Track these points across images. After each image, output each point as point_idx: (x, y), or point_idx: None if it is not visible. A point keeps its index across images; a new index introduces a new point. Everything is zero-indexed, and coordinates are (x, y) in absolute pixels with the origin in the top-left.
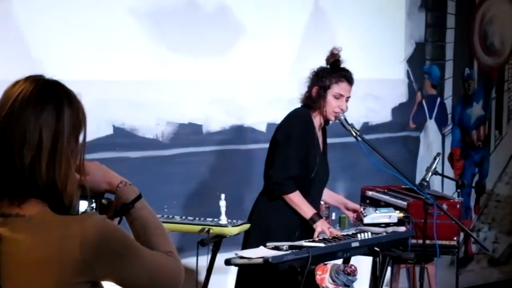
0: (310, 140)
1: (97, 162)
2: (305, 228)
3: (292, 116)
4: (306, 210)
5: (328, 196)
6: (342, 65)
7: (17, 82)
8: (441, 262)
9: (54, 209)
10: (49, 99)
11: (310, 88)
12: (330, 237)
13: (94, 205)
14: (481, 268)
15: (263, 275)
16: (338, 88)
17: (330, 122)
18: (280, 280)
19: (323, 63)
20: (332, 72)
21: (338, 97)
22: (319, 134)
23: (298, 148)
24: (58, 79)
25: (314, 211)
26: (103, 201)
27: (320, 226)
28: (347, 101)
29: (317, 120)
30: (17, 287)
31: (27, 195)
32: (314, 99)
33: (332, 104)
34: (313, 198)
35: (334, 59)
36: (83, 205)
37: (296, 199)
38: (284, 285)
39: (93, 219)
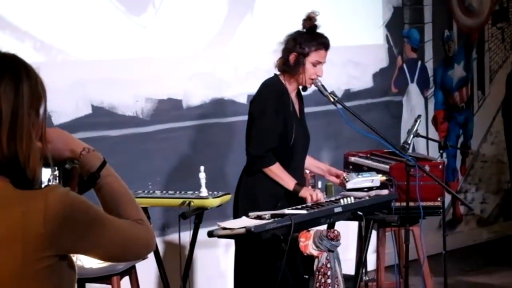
0: (286, 109)
1: (57, 128)
2: (289, 197)
3: (264, 88)
4: (288, 181)
5: (311, 164)
6: (318, 30)
7: None
8: (430, 225)
9: (17, 184)
10: (6, 72)
11: (286, 54)
12: (311, 204)
13: (57, 172)
14: (470, 229)
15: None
16: (317, 55)
17: (308, 88)
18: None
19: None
20: (311, 39)
21: (315, 64)
22: (295, 100)
23: (274, 120)
24: (33, 61)
25: (295, 181)
26: (67, 165)
27: (306, 193)
28: (323, 64)
29: (292, 86)
30: None
31: None
32: (291, 65)
33: (310, 71)
34: (296, 166)
35: (311, 25)
36: (46, 173)
37: (277, 171)
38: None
39: (56, 193)
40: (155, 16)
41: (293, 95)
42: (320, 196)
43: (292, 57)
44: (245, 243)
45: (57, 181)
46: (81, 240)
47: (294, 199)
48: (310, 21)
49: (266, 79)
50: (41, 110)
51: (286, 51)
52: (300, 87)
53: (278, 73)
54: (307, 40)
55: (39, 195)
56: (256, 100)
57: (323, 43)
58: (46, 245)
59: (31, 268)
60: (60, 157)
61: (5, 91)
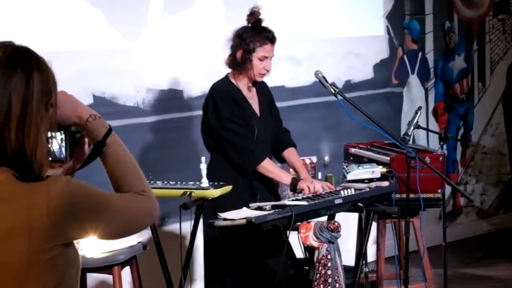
0: (240, 108)
1: (64, 91)
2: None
3: (211, 95)
4: (283, 176)
5: (293, 164)
6: (263, 24)
7: None
8: (430, 216)
9: (23, 177)
10: (18, 65)
11: (233, 51)
12: (311, 195)
13: (63, 136)
14: (470, 220)
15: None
16: (262, 50)
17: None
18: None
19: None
20: (255, 34)
21: (263, 59)
22: (251, 95)
23: (234, 120)
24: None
25: (291, 175)
26: (72, 128)
27: (304, 183)
28: (271, 58)
29: (244, 83)
30: None
31: None
32: (239, 62)
33: (258, 66)
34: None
35: (255, 19)
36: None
37: (270, 167)
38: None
39: (58, 183)
40: (157, 5)
41: (246, 92)
42: (318, 187)
43: (238, 54)
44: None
45: (64, 146)
46: (85, 226)
47: (271, 190)
48: (253, 16)
49: (214, 83)
50: (51, 105)
51: (233, 48)
52: (250, 83)
53: (229, 71)
54: (252, 35)
55: (42, 187)
56: (209, 109)
57: (267, 38)
58: (52, 236)
59: (37, 260)
60: (66, 122)
61: (16, 84)
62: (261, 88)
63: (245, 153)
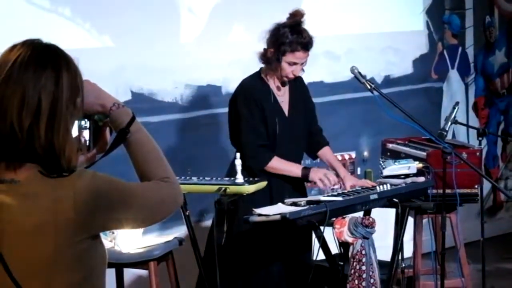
0: (264, 105)
1: (89, 80)
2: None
3: (237, 89)
4: (294, 169)
5: (326, 158)
6: (304, 27)
7: (14, 46)
8: (470, 211)
9: (49, 172)
10: (47, 63)
11: (267, 46)
12: (348, 190)
13: (88, 124)
14: (510, 215)
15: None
16: (292, 56)
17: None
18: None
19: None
20: (290, 37)
21: (292, 64)
22: (282, 93)
23: (252, 120)
24: (69, 48)
25: (301, 167)
26: (95, 117)
27: (316, 175)
28: (303, 64)
29: (273, 80)
30: (16, 254)
31: (24, 159)
32: (268, 59)
33: (286, 70)
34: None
35: (294, 22)
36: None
37: (278, 165)
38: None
39: (83, 178)
40: (195, 2)
41: (275, 88)
42: (333, 179)
43: (270, 52)
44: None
45: (87, 135)
46: (111, 218)
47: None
48: (294, 18)
49: (244, 78)
50: (79, 102)
51: (267, 44)
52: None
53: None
54: (286, 37)
55: (67, 182)
56: (231, 106)
57: (300, 44)
58: (78, 230)
59: (64, 254)
60: (90, 110)
61: (46, 83)
62: (296, 84)
63: (253, 154)
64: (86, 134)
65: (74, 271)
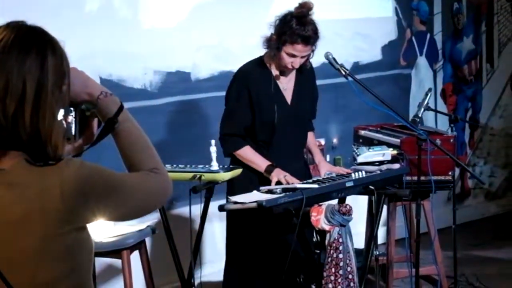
0: (262, 90)
1: (75, 68)
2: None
3: (236, 71)
4: (259, 163)
5: (309, 147)
6: (310, 19)
7: None
8: (438, 199)
9: (35, 160)
10: (32, 47)
11: (272, 32)
12: (323, 178)
13: (73, 113)
14: (478, 202)
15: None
16: (292, 48)
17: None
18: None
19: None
20: (292, 29)
21: (291, 56)
22: (286, 79)
23: (237, 106)
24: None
25: (268, 163)
26: (83, 107)
27: (276, 175)
28: (304, 57)
29: (275, 69)
30: (2, 245)
31: (8, 147)
32: (271, 46)
33: (284, 60)
34: (279, 146)
35: (300, 14)
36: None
37: (246, 155)
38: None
39: (70, 167)
40: None
41: (275, 73)
42: (290, 181)
43: (272, 39)
44: (237, 218)
45: (73, 124)
46: (100, 209)
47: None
48: (300, 9)
49: (248, 61)
50: (64, 87)
51: (272, 29)
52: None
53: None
54: (289, 27)
55: (54, 170)
56: (229, 84)
57: (301, 36)
58: (66, 220)
59: (51, 245)
60: (77, 99)
61: (31, 67)
62: (304, 72)
63: (227, 135)
64: (72, 123)
65: (60, 263)
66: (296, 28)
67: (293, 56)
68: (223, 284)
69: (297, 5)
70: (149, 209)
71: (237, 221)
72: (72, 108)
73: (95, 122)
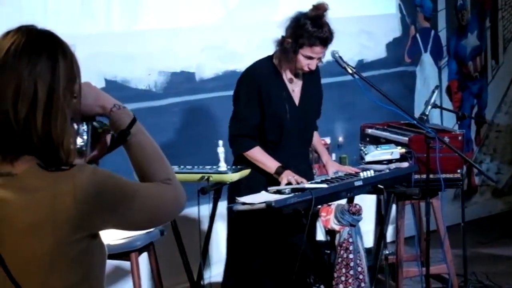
0: (269, 92)
1: (88, 82)
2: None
3: (245, 71)
4: (269, 164)
5: (315, 146)
6: (325, 20)
7: (8, 33)
8: (445, 197)
9: (48, 165)
10: (43, 50)
11: (286, 35)
12: (331, 177)
13: (85, 127)
14: (485, 199)
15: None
16: (310, 50)
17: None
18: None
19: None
20: (310, 30)
21: (308, 58)
22: (294, 80)
23: (247, 106)
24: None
25: (278, 164)
26: (95, 123)
27: (285, 177)
28: (319, 59)
29: (286, 72)
30: (14, 250)
31: (20, 151)
32: (285, 49)
33: (301, 62)
34: (289, 148)
35: (316, 15)
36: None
37: (255, 155)
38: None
39: (84, 173)
40: None
41: (286, 77)
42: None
43: (286, 42)
44: (241, 218)
45: (85, 138)
46: (112, 216)
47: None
48: (316, 11)
49: (256, 60)
50: (76, 90)
51: (286, 32)
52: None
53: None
54: (305, 30)
55: (67, 176)
56: (237, 82)
57: (319, 39)
58: (78, 227)
59: (63, 252)
60: (90, 113)
61: (42, 71)
62: (311, 73)
63: (235, 136)
64: (84, 137)
65: (73, 270)
66: (314, 30)
67: (310, 58)
68: None
69: (311, 7)
70: (161, 220)
71: (241, 221)
72: (84, 123)
73: (108, 137)
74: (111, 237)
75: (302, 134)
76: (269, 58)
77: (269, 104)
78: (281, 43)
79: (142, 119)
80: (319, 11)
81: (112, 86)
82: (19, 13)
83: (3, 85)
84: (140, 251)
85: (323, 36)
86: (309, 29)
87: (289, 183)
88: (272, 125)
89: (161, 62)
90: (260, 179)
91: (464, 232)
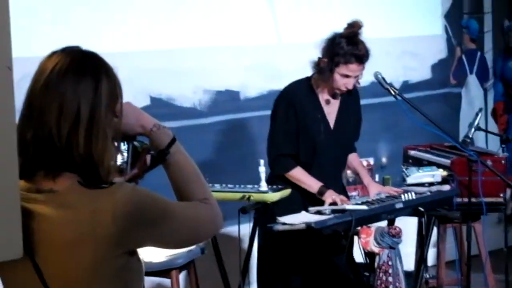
0: (308, 112)
1: (129, 102)
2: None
3: (282, 91)
4: (311, 184)
5: (351, 164)
6: (360, 38)
7: (53, 53)
8: (489, 220)
9: (88, 183)
10: (87, 70)
11: (322, 55)
12: (372, 199)
13: (125, 146)
14: None
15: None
16: (346, 69)
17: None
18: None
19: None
20: (345, 48)
21: (344, 77)
22: (331, 103)
23: (287, 126)
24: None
25: (320, 184)
26: (135, 143)
27: (329, 196)
28: (357, 77)
29: (323, 89)
30: (53, 266)
31: (62, 168)
32: (321, 70)
33: (338, 82)
34: (321, 168)
35: (351, 33)
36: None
37: (297, 175)
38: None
39: (123, 191)
40: (212, 6)
41: (323, 99)
42: (344, 202)
43: (322, 62)
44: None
45: (126, 156)
46: (150, 234)
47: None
48: (351, 29)
49: (294, 80)
50: (117, 110)
51: (322, 52)
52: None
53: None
54: (341, 48)
55: (107, 194)
56: (274, 102)
57: (355, 56)
58: (117, 244)
59: (102, 268)
60: (130, 132)
61: (85, 90)
62: (349, 97)
63: (275, 156)
64: (125, 156)
65: (111, 286)
66: (349, 48)
67: (347, 76)
68: None
69: (345, 25)
70: (197, 239)
71: (278, 241)
72: (125, 142)
73: (148, 156)
74: (152, 254)
75: (335, 156)
76: (307, 79)
77: (304, 124)
78: (317, 64)
79: (186, 137)
80: (354, 28)
81: (157, 104)
82: (70, 32)
83: (47, 103)
84: (180, 269)
85: (359, 53)
86: (344, 47)
87: (333, 203)
88: (305, 146)
89: (206, 80)
90: (295, 198)
91: (507, 257)
